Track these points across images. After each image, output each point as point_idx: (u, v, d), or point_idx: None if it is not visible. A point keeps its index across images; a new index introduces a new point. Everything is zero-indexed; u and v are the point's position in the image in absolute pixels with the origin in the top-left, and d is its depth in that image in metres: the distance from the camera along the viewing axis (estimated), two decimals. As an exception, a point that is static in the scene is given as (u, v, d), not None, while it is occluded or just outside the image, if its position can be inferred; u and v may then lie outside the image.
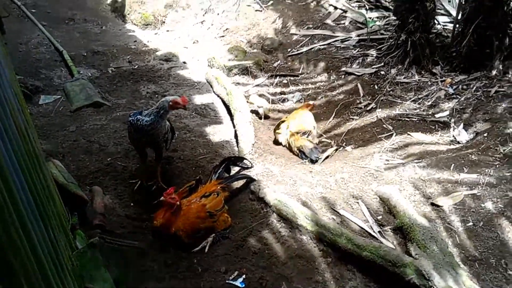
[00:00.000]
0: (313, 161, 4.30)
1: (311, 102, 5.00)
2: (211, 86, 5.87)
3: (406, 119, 4.70)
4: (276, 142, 4.66)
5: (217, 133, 4.79)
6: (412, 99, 5.02)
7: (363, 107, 5.15)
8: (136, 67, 6.41)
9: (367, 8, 7.13)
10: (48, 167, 2.78)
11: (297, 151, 4.42)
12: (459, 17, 5.39)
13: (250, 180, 3.79)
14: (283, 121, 4.67)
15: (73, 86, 5.47)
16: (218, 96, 5.60)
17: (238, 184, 3.81)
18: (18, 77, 3.24)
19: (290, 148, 4.50)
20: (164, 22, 8.43)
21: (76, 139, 4.38)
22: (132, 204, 3.63)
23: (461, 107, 4.66)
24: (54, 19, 8.07)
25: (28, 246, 1.85)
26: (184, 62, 6.78)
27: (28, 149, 2.17)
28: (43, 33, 7.02)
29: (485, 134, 4.18)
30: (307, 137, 4.46)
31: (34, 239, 1.92)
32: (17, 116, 2.10)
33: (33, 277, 1.88)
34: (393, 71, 5.53)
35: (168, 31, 8.18)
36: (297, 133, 4.44)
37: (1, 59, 2.05)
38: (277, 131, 4.64)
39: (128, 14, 8.82)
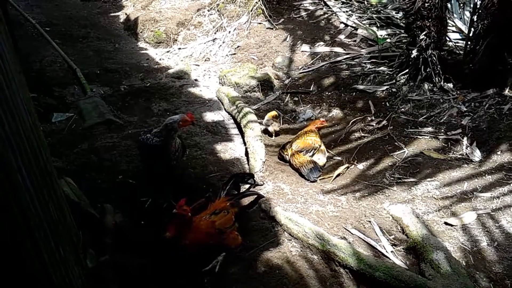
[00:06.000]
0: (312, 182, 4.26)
1: (321, 119, 4.98)
2: (222, 104, 5.89)
3: (418, 136, 4.67)
4: (282, 160, 4.65)
5: (228, 150, 4.79)
6: (424, 116, 4.99)
7: (374, 124, 5.12)
8: (148, 84, 6.47)
9: (378, 25, 7.15)
10: (60, 185, 2.79)
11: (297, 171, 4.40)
12: (471, 34, 5.37)
13: (259, 197, 3.77)
14: (289, 141, 4.67)
15: (86, 104, 5.52)
16: (229, 113, 5.61)
17: (247, 201, 3.78)
18: (31, 94, 3.28)
19: (293, 167, 4.48)
20: (176, 40, 8.51)
21: (88, 157, 4.40)
22: (142, 222, 3.62)
23: (474, 125, 4.62)
24: (68, 37, 8.21)
25: (38, 264, 1.85)
26: (196, 80, 6.82)
27: (40, 167, 2.18)
28: (56, 51, 7.13)
29: (499, 152, 4.13)
30: (312, 156, 4.43)
31: (44, 256, 1.92)
32: (29, 134, 2.12)
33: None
34: (404, 88, 5.51)
35: (180, 49, 8.26)
36: (300, 151, 4.41)
37: (15, 77, 2.07)
38: (283, 150, 4.63)
39: (141, 32, 8.93)
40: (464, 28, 6.39)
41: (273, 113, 5.20)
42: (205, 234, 3.13)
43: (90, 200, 3.51)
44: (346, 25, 7.24)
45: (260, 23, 7.88)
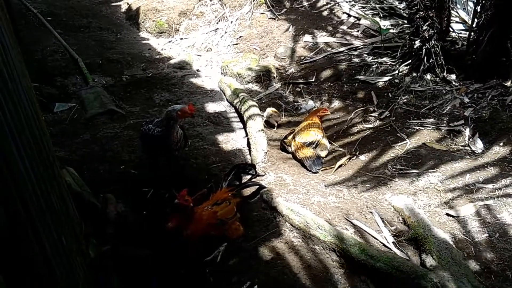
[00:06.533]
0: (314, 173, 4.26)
1: (324, 108, 4.96)
2: (224, 94, 5.89)
3: (421, 127, 4.65)
4: (284, 150, 4.65)
5: (230, 141, 4.79)
6: (427, 107, 4.97)
7: (376, 115, 5.11)
8: (150, 75, 6.46)
9: (381, 15, 7.10)
10: (62, 175, 2.80)
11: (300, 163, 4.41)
12: (474, 25, 5.34)
13: (261, 187, 3.77)
14: (291, 132, 4.67)
15: (88, 93, 5.53)
16: (231, 104, 5.61)
17: (249, 191, 3.78)
18: (33, 84, 3.29)
19: (295, 158, 4.48)
20: (178, 30, 8.49)
21: (90, 147, 4.41)
22: (144, 212, 3.63)
23: (476, 116, 4.60)
24: (69, 27, 8.18)
25: (40, 254, 1.86)
26: (198, 70, 6.81)
27: (42, 157, 2.19)
28: (58, 41, 7.11)
29: (501, 144, 4.12)
30: (315, 147, 4.42)
31: (46, 247, 1.93)
32: (31, 124, 2.12)
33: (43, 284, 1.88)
34: (407, 79, 5.48)
35: (182, 39, 8.23)
36: (303, 143, 4.41)
37: (17, 67, 2.07)
38: (285, 140, 4.64)
39: (143, 22, 8.89)
40: (468, 19, 6.36)
41: (273, 109, 5.22)
42: (206, 224, 3.13)
43: (92, 190, 3.52)
44: (349, 16, 7.19)
45: (262, 13, 7.83)
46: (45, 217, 1.97)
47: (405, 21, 6.56)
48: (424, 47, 5.33)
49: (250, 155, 4.43)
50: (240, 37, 7.55)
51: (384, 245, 3.24)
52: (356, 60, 6.17)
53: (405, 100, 5.18)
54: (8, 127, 1.70)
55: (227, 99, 5.75)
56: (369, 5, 7.42)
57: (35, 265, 1.79)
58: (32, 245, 1.76)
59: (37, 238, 1.82)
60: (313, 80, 6.10)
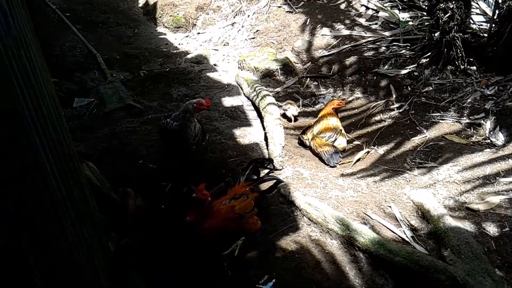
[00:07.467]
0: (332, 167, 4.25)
1: (339, 100, 4.92)
2: (241, 88, 5.88)
3: (440, 121, 4.60)
4: (302, 144, 4.65)
5: (247, 135, 4.79)
6: (447, 100, 4.91)
7: (395, 108, 5.06)
8: (167, 69, 6.49)
9: (400, 8, 7.01)
10: (82, 169, 2.83)
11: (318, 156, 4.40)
12: (495, 16, 5.25)
13: (278, 181, 3.77)
14: (309, 126, 4.65)
15: (106, 89, 5.58)
16: (248, 98, 5.60)
17: (266, 185, 3.78)
18: (53, 79, 3.33)
19: (313, 152, 4.46)
20: (195, 24, 8.50)
21: (109, 142, 4.46)
22: (163, 206, 3.66)
23: (497, 109, 4.52)
24: (87, 23, 8.27)
25: (65, 246, 1.89)
26: (215, 65, 6.82)
27: (64, 152, 2.22)
28: (77, 36, 7.19)
29: (523, 137, 4.06)
30: (334, 140, 4.40)
31: (69, 239, 1.96)
32: (53, 119, 2.15)
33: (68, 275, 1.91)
34: (426, 72, 5.42)
35: (199, 33, 8.25)
36: (321, 136, 4.40)
37: (38, 62, 2.10)
38: (302, 135, 4.63)
39: (160, 17, 8.93)
40: (488, 11, 6.24)
41: (291, 102, 5.21)
42: (224, 218, 3.14)
43: (111, 184, 3.55)
44: (367, 8, 7.12)
45: (279, 7, 7.80)
46: (68, 211, 2.00)
47: (425, 13, 6.46)
48: (444, 39, 5.26)
49: (268, 149, 4.43)
50: (257, 31, 7.53)
51: (403, 239, 3.22)
52: (375, 53, 6.11)
53: (424, 93, 5.12)
54: (33, 123, 1.73)
55: (244, 94, 5.75)
56: (387, -3, 7.33)
57: (60, 256, 1.82)
58: (58, 238, 1.79)
59: (62, 231, 1.85)
60: (331, 73, 6.07)
